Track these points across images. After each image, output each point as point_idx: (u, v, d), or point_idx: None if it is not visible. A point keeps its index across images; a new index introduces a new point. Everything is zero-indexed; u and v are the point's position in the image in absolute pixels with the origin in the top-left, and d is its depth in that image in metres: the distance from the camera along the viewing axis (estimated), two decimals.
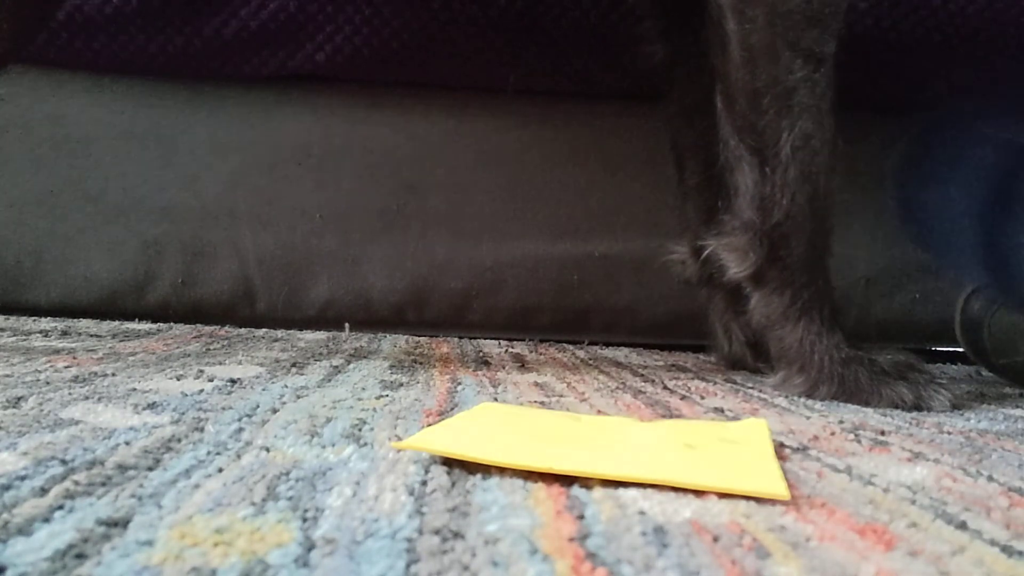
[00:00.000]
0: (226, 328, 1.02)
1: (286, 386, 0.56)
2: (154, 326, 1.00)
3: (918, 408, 0.60)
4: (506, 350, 0.92)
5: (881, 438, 0.47)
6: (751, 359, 0.81)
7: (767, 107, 0.63)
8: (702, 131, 0.76)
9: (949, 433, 0.50)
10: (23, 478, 0.30)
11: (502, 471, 0.34)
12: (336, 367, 0.68)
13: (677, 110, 0.84)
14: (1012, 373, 0.80)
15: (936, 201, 0.75)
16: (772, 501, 0.32)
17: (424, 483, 0.32)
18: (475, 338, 1.05)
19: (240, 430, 0.41)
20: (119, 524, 0.26)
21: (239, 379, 0.58)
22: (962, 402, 0.64)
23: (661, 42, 0.84)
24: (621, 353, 0.96)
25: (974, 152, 0.71)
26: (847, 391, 0.62)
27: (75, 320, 1.01)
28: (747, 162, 0.65)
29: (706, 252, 0.71)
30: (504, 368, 0.74)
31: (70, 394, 0.49)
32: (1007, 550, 0.27)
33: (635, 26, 0.90)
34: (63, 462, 0.33)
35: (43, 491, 0.29)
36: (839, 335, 0.65)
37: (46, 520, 0.26)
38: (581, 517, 0.29)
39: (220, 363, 0.67)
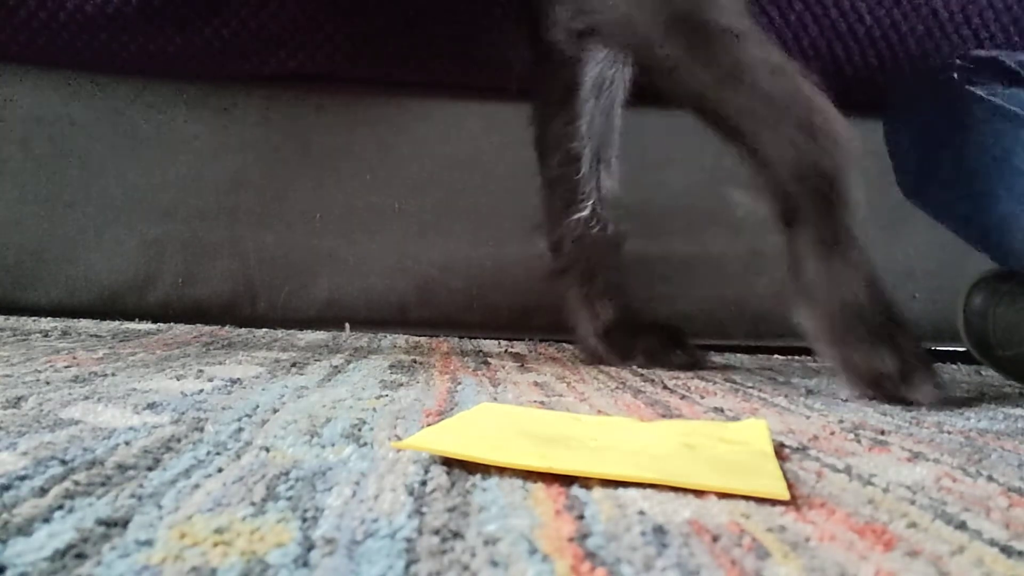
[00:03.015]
0: (226, 328, 1.02)
1: (286, 386, 0.56)
2: (154, 326, 1.00)
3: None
4: (506, 350, 0.92)
5: (881, 438, 0.47)
6: (604, 350, 0.83)
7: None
8: (561, 128, 0.80)
9: (949, 433, 0.50)
10: (23, 478, 0.30)
11: (502, 471, 0.34)
12: (336, 367, 0.68)
13: (540, 108, 0.87)
14: (1015, 365, 0.80)
15: (933, 162, 0.75)
16: (772, 501, 0.32)
17: (424, 483, 0.32)
18: (475, 338, 1.05)
19: (240, 430, 0.41)
20: (119, 524, 0.26)
21: (239, 379, 0.58)
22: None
23: (527, 47, 0.87)
24: None
25: (970, 114, 0.71)
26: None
27: (75, 320, 1.01)
28: None
29: (565, 242, 0.73)
30: (504, 368, 0.74)
31: (70, 394, 0.49)
32: (1007, 550, 0.27)
33: (500, 36, 0.92)
34: (63, 462, 0.33)
35: (43, 491, 0.29)
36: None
37: (46, 520, 0.26)
38: (581, 517, 0.29)
39: (220, 363, 0.67)
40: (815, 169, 0.63)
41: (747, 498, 0.32)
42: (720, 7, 0.64)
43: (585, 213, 0.76)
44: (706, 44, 0.63)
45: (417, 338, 1.01)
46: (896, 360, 0.60)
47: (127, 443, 0.37)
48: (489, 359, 0.81)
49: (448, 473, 0.34)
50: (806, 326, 0.64)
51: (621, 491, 0.32)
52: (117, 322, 1.02)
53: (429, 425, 0.43)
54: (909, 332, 0.63)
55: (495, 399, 0.55)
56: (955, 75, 0.74)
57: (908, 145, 0.78)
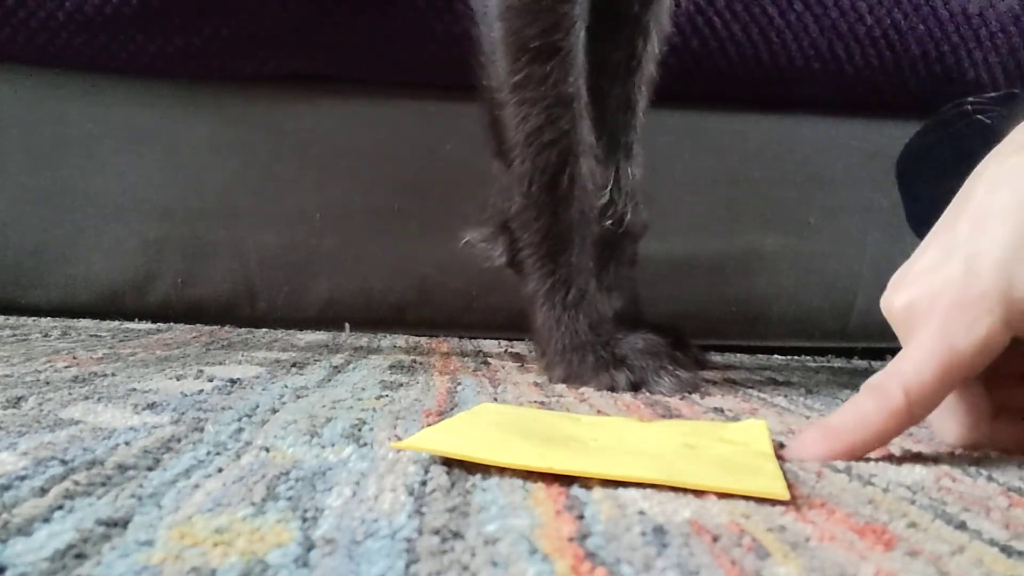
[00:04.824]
0: (226, 328, 1.02)
1: (286, 386, 0.56)
2: (154, 326, 1.00)
3: (635, 389, 0.61)
4: (506, 350, 0.92)
5: None
6: None
7: (504, 101, 0.66)
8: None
9: None
10: (23, 478, 0.30)
11: (502, 471, 0.34)
12: (336, 367, 0.68)
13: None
14: None
15: (941, 195, 0.75)
16: (772, 501, 0.32)
17: (424, 483, 0.32)
18: (475, 338, 1.05)
19: (240, 430, 0.41)
20: (119, 524, 0.26)
21: (239, 379, 0.58)
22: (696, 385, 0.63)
23: None
24: None
25: (981, 141, 0.71)
26: (573, 374, 0.64)
27: (75, 320, 1.01)
28: (493, 152, 0.70)
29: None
30: (504, 368, 0.74)
31: (70, 394, 0.49)
32: (1006, 550, 0.27)
33: None
34: (63, 462, 0.33)
35: (43, 491, 0.29)
36: (581, 321, 0.66)
37: (46, 520, 0.26)
38: (581, 517, 0.29)
39: (220, 363, 0.67)
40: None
41: (747, 498, 0.32)
42: (538, 30, 0.64)
43: (602, 201, 0.75)
44: None
45: (417, 338, 1.01)
46: (626, 374, 0.62)
47: (127, 443, 0.37)
48: (489, 359, 0.81)
49: (448, 473, 0.34)
50: (540, 367, 0.68)
51: (621, 491, 0.32)
52: (117, 322, 1.02)
53: (429, 425, 0.43)
54: (641, 339, 0.66)
55: (495, 399, 0.55)
56: (968, 107, 0.74)
57: (920, 180, 0.78)
